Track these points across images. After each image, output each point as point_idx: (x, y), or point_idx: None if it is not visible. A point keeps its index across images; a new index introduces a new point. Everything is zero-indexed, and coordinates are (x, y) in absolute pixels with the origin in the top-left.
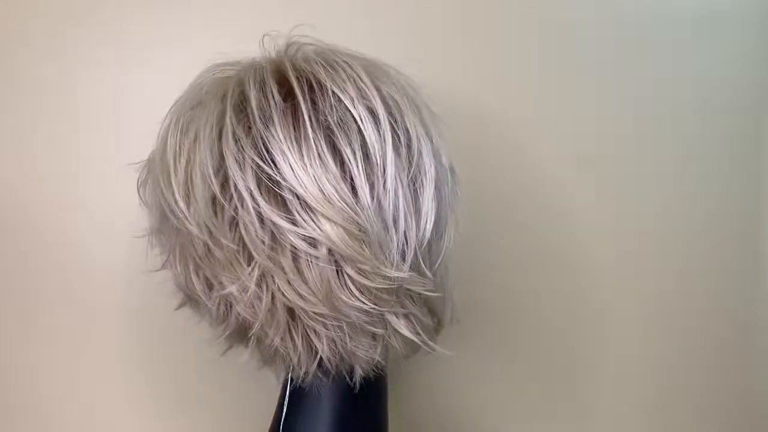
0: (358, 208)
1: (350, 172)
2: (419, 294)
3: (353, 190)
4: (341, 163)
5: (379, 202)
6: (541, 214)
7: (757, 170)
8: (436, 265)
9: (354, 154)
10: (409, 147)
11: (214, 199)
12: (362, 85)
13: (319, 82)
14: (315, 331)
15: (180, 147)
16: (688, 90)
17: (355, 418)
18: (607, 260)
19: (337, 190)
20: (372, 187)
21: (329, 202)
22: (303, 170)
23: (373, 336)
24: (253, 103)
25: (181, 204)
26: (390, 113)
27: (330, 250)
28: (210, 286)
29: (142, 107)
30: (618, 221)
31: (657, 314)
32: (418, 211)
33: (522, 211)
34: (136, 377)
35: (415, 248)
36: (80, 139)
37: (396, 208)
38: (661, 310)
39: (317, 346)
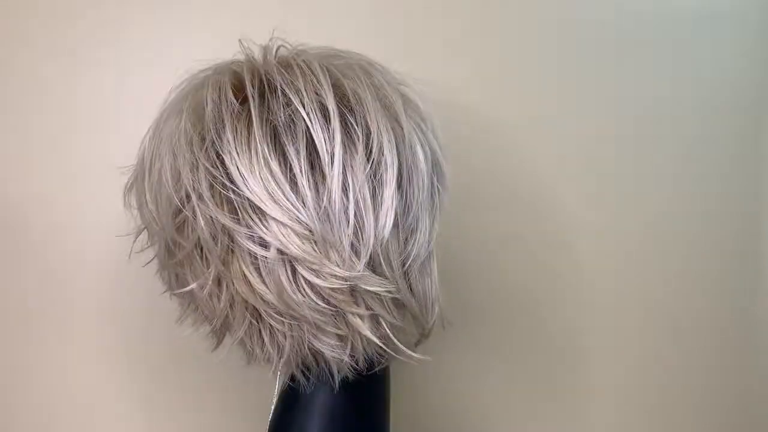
0: (301, 207)
1: (294, 171)
2: (389, 296)
3: (297, 189)
4: (286, 164)
5: (327, 200)
6: (540, 214)
7: (757, 170)
8: (405, 265)
9: (298, 153)
10: (368, 142)
11: (173, 201)
12: (315, 82)
13: (270, 84)
14: (278, 329)
15: (153, 151)
16: (688, 90)
17: (346, 418)
18: (607, 260)
19: (282, 191)
20: (317, 185)
21: (275, 202)
22: (250, 172)
23: (339, 336)
24: (209, 108)
25: (151, 206)
26: (348, 108)
27: (279, 251)
28: (180, 284)
29: (142, 107)
30: (618, 221)
31: (657, 314)
32: (375, 208)
33: (521, 211)
34: (133, 377)
35: (373, 247)
36: (80, 139)
37: (344, 205)
38: (661, 310)
39: (282, 344)
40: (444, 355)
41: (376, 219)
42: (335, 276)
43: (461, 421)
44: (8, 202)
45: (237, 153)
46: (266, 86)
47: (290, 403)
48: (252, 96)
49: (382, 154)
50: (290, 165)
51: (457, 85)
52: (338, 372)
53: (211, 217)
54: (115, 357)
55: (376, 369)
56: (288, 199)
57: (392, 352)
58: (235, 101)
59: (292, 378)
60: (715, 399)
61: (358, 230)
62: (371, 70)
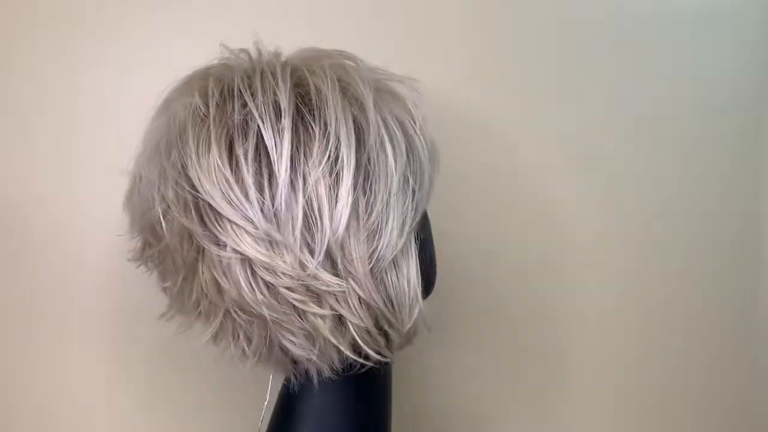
0: (248, 207)
1: (242, 172)
2: (356, 297)
3: (245, 189)
4: (238, 165)
5: (272, 199)
6: (540, 214)
7: (757, 170)
8: (370, 265)
9: (246, 153)
10: (325, 138)
11: (145, 203)
12: (272, 82)
13: (230, 88)
14: (245, 326)
15: (140, 153)
16: (688, 90)
17: (324, 418)
18: (607, 260)
19: (233, 192)
20: (263, 185)
21: (228, 203)
22: (206, 175)
23: (306, 335)
24: (180, 114)
25: (137, 208)
26: (308, 106)
27: (236, 251)
28: (160, 280)
29: (142, 107)
30: (618, 221)
31: (657, 314)
32: (330, 206)
33: (521, 211)
34: (133, 377)
35: (328, 245)
36: (80, 139)
37: (292, 204)
38: (661, 310)
39: (251, 341)
40: (444, 355)
41: (331, 217)
42: (287, 275)
43: (461, 420)
44: (8, 202)
45: (197, 157)
46: (227, 90)
47: (282, 403)
48: (215, 101)
49: (339, 151)
50: (240, 166)
51: (457, 85)
52: (318, 371)
53: (176, 219)
54: (115, 357)
55: (355, 370)
56: (238, 198)
57: (355, 356)
58: (201, 107)
59: (288, 378)
60: (715, 399)
61: (311, 228)
62: (347, 66)
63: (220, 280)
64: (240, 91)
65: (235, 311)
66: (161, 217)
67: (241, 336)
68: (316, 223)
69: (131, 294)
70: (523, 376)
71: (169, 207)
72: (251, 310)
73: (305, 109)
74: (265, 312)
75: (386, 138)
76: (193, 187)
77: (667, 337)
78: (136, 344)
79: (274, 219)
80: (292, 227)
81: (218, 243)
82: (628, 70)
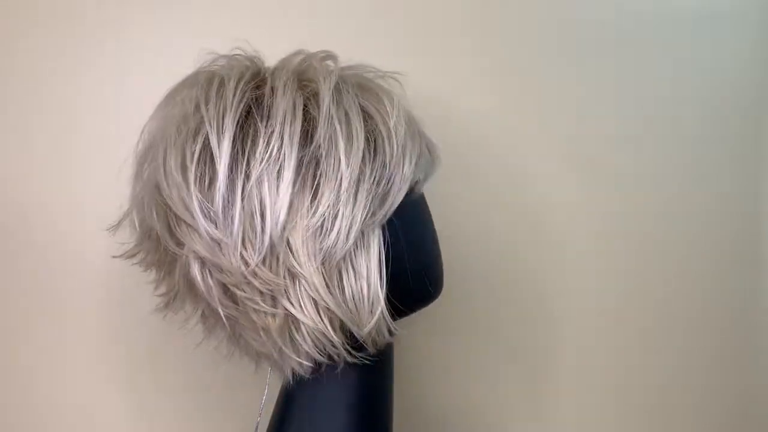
0: (194, 206)
1: (189, 173)
2: (307, 295)
3: (189, 191)
4: (185, 167)
5: (212, 197)
6: (540, 214)
7: (757, 170)
8: (317, 263)
9: (192, 156)
10: (268, 136)
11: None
12: (228, 86)
13: (197, 96)
14: (211, 319)
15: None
16: (688, 90)
17: (328, 410)
18: (607, 260)
19: (184, 193)
20: (204, 184)
21: (182, 205)
22: (166, 179)
23: (264, 331)
24: (161, 123)
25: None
26: (260, 105)
27: (191, 249)
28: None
29: (142, 107)
30: (618, 221)
31: (657, 314)
32: (270, 204)
33: (521, 212)
34: (133, 377)
35: (270, 241)
36: (80, 139)
37: (233, 201)
38: (661, 310)
39: (222, 331)
40: (446, 354)
41: (271, 215)
42: (231, 272)
43: (462, 419)
44: (8, 202)
45: (163, 162)
46: (193, 99)
47: (279, 398)
48: (185, 109)
49: (281, 149)
50: (188, 168)
51: (456, 85)
52: (291, 368)
53: (146, 221)
54: (115, 357)
55: (344, 365)
56: (188, 201)
57: (293, 357)
58: (176, 115)
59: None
60: (715, 399)
61: (254, 226)
62: (314, 63)
63: (186, 279)
64: (198, 99)
65: (205, 308)
66: (135, 218)
67: (218, 331)
68: (257, 221)
69: (131, 294)
70: (523, 376)
71: (144, 209)
72: (213, 308)
73: (256, 110)
74: (221, 310)
75: (340, 134)
76: (162, 192)
77: (667, 337)
78: (136, 344)
79: (214, 218)
80: (232, 225)
81: (179, 243)
82: (628, 70)
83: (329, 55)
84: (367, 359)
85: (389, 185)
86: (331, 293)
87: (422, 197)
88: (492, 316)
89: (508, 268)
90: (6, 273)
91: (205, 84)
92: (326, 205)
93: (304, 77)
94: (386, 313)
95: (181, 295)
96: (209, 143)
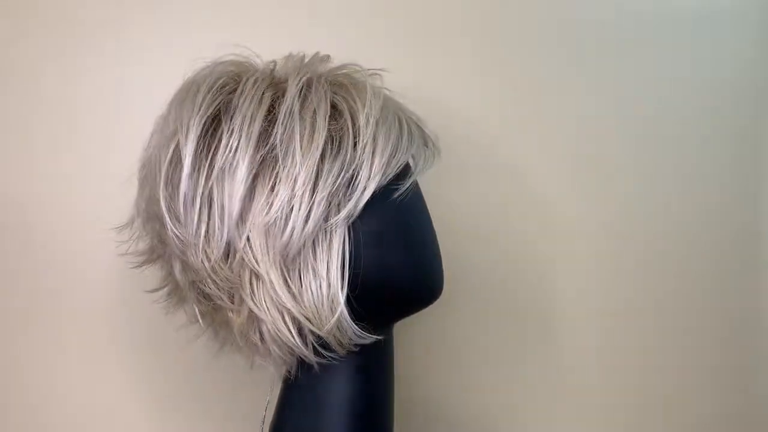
0: (161, 204)
1: (162, 175)
2: (265, 293)
3: (161, 193)
4: (161, 170)
5: (177, 196)
6: (539, 214)
7: (757, 170)
8: (272, 260)
9: (165, 157)
10: (229, 136)
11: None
12: (200, 92)
13: (173, 103)
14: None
15: None
16: (689, 90)
17: (326, 403)
18: (607, 261)
19: (155, 193)
20: (171, 183)
21: (165, 206)
22: (151, 184)
23: (238, 332)
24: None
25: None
26: (227, 109)
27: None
28: None
29: (143, 107)
30: (618, 221)
31: (657, 314)
32: (226, 200)
33: (521, 212)
34: (134, 377)
35: (227, 238)
36: (80, 139)
37: (191, 199)
38: (661, 309)
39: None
40: (448, 354)
41: (228, 212)
42: (194, 269)
43: (462, 417)
44: (6, 202)
45: (158, 165)
46: (173, 103)
47: (280, 392)
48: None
49: (238, 148)
50: (161, 170)
51: (456, 85)
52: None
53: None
54: (115, 357)
55: (334, 360)
56: (159, 200)
57: (261, 356)
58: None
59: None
60: (715, 399)
61: (212, 223)
62: (290, 62)
63: (173, 278)
64: (173, 104)
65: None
66: (138, 219)
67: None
68: (216, 219)
69: (132, 294)
70: (524, 377)
71: (145, 212)
72: (192, 299)
73: (224, 113)
74: (196, 307)
75: (298, 132)
76: (151, 193)
77: (668, 337)
78: (137, 344)
79: (178, 215)
80: (193, 223)
81: (162, 242)
82: (628, 70)
83: (319, 58)
84: (337, 359)
85: (353, 184)
86: (290, 292)
87: (414, 196)
88: (490, 316)
89: (507, 268)
90: (7, 273)
91: (183, 90)
92: (279, 203)
93: (275, 77)
94: (346, 314)
95: (173, 293)
96: (179, 145)
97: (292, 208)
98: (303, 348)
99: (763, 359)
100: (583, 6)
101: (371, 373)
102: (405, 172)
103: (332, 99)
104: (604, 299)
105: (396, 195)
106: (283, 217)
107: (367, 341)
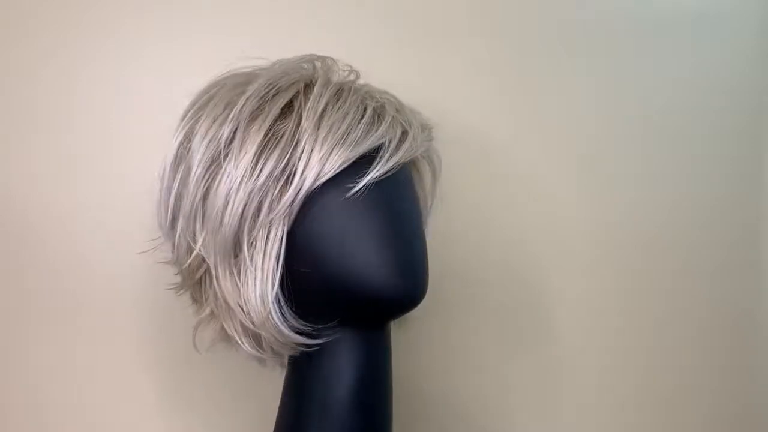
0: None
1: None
2: (214, 290)
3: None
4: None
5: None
6: (539, 214)
7: (757, 170)
8: (214, 259)
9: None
10: (186, 139)
11: None
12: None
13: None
14: None
15: None
16: (689, 90)
17: (282, 406)
18: (607, 260)
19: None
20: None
21: None
22: None
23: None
24: None
25: None
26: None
27: None
28: None
29: (143, 108)
30: (618, 221)
31: (657, 314)
32: (187, 198)
33: (522, 212)
34: (136, 378)
35: (183, 233)
36: (80, 139)
37: (160, 203)
38: (660, 310)
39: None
40: (448, 355)
41: (188, 209)
42: (169, 262)
43: (466, 417)
44: (7, 202)
45: None
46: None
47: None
48: None
49: (194, 153)
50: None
51: (456, 85)
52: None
53: None
54: (116, 357)
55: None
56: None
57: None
58: None
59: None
60: (716, 399)
61: (180, 221)
62: (273, 68)
63: None
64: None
65: None
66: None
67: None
68: (180, 215)
69: (132, 294)
70: (524, 376)
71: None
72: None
73: (195, 119)
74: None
75: (240, 133)
76: None
77: (669, 337)
78: (137, 344)
79: (159, 213)
80: (167, 217)
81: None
82: (628, 70)
83: (305, 58)
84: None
85: (288, 180)
86: (235, 287)
87: (379, 195)
88: (490, 316)
89: (507, 268)
90: (7, 274)
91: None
92: (220, 199)
93: (243, 81)
94: (276, 313)
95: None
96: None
97: (228, 205)
98: (246, 345)
99: (763, 359)
100: (583, 6)
101: (341, 377)
102: (362, 169)
103: (291, 98)
104: (604, 300)
105: (348, 194)
106: (222, 211)
107: (308, 342)
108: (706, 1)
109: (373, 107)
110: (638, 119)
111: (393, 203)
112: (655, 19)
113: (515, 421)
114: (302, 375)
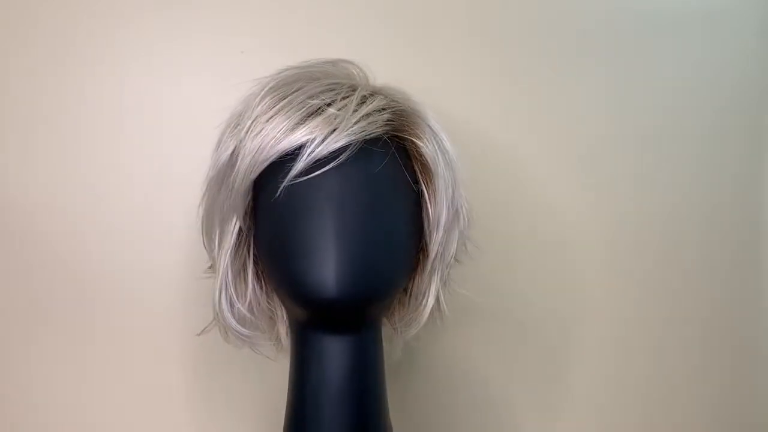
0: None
1: None
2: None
3: None
4: None
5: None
6: (540, 214)
7: (757, 170)
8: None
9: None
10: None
11: None
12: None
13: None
14: None
15: None
16: (689, 90)
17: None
18: (607, 260)
19: None
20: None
21: None
22: None
23: None
24: None
25: None
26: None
27: None
28: None
29: (143, 108)
30: (618, 222)
31: (657, 315)
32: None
33: (523, 212)
34: (138, 378)
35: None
36: (80, 139)
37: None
38: (661, 310)
39: None
40: (449, 355)
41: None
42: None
43: (464, 417)
44: (8, 203)
45: None
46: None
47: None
48: None
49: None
50: None
51: (455, 86)
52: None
53: None
54: (117, 358)
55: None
56: None
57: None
58: None
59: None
60: (716, 400)
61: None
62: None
63: None
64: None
65: None
66: None
67: None
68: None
69: (133, 294)
70: (525, 377)
71: None
72: None
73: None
74: None
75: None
76: None
77: (669, 337)
78: (139, 344)
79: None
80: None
81: None
82: (628, 70)
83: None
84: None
85: (232, 173)
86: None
87: (314, 191)
88: (492, 316)
89: (507, 268)
90: (8, 274)
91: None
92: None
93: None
94: (219, 302)
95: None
96: None
97: (204, 200)
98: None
99: (763, 359)
100: (583, 6)
101: (309, 367)
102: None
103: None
104: (603, 299)
105: (276, 194)
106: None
107: (246, 333)
108: (706, 2)
109: (318, 105)
110: (638, 119)
111: (328, 201)
112: (656, 19)
113: (518, 418)
114: (291, 367)
